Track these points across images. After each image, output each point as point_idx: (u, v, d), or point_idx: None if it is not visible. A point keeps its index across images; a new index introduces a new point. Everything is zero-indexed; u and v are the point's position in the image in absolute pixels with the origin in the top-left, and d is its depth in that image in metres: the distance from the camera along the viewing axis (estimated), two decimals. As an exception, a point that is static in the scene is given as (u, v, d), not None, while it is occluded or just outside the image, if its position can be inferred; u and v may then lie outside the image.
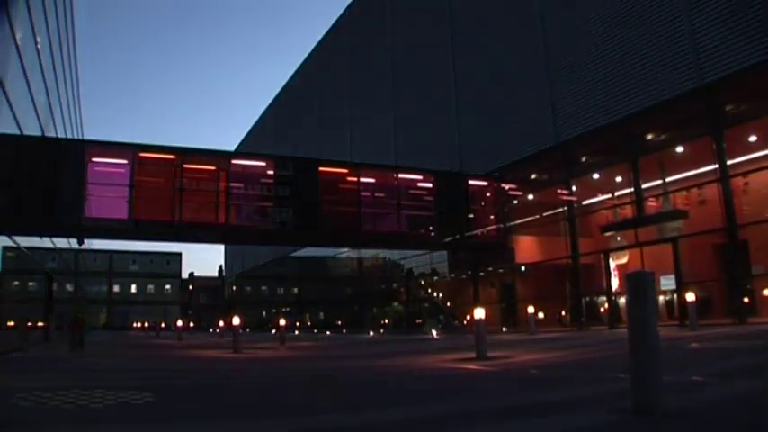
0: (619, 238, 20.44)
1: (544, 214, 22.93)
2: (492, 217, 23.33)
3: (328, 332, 34.97)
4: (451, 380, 6.87)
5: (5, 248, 14.82)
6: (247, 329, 43.08)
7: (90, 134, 77.40)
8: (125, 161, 17.95)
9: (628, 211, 19.63)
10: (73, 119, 28.22)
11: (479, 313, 9.53)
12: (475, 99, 24.92)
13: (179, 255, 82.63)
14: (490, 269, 25.82)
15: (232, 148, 61.29)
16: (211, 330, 51.33)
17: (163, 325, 47.86)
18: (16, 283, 18.11)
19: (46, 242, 20.45)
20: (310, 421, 4.04)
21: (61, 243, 24.32)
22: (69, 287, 33.14)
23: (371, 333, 29.03)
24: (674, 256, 17.36)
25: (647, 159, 18.85)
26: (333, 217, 20.74)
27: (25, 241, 16.64)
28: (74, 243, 26.52)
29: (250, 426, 3.97)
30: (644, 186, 18.92)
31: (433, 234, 22.42)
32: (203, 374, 8.60)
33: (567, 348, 11.22)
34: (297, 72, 47.94)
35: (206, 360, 12.05)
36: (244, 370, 9.41)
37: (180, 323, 34.24)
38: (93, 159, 17.74)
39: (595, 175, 21.58)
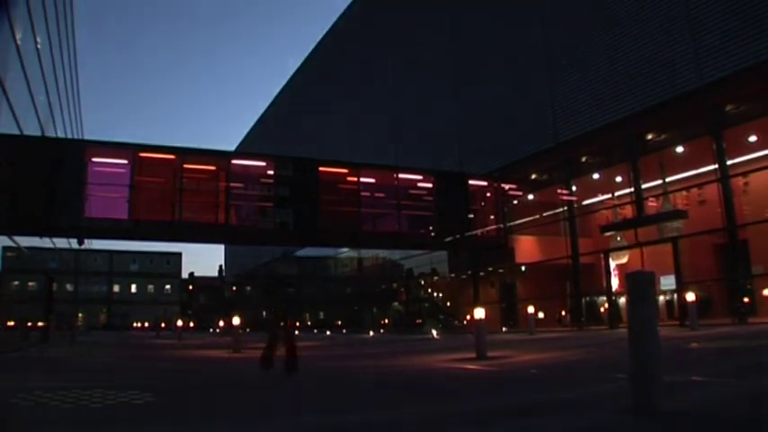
0: (619, 238, 20.45)
1: (544, 214, 22.95)
2: (492, 217, 23.30)
3: (328, 332, 34.97)
4: (451, 380, 6.87)
5: (5, 248, 14.81)
6: (247, 329, 43.06)
7: (90, 134, 77.47)
8: (125, 161, 17.95)
9: (628, 211, 19.64)
10: (73, 118, 28.22)
11: (479, 313, 9.53)
12: (475, 99, 24.93)
13: (179, 255, 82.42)
14: (490, 269, 25.83)
15: (232, 148, 61.35)
16: (211, 330, 51.32)
17: (163, 325, 47.82)
18: (16, 283, 18.11)
19: (46, 242, 20.44)
20: (311, 421, 4.04)
21: (61, 243, 24.30)
22: (69, 287, 33.13)
23: (371, 333, 29.05)
24: (674, 256, 17.37)
25: (647, 159, 18.86)
26: (333, 217, 20.72)
27: (25, 241, 16.63)
28: (74, 243, 26.50)
29: (250, 426, 3.97)
30: (644, 186, 18.93)
31: (433, 234, 22.42)
32: (204, 374, 8.59)
33: (567, 348, 11.22)
34: (297, 72, 48.00)
35: (206, 360, 12.05)
36: (244, 370, 9.40)
37: (180, 323, 34.21)
38: (93, 159, 17.75)
39: (595, 175, 21.59)
